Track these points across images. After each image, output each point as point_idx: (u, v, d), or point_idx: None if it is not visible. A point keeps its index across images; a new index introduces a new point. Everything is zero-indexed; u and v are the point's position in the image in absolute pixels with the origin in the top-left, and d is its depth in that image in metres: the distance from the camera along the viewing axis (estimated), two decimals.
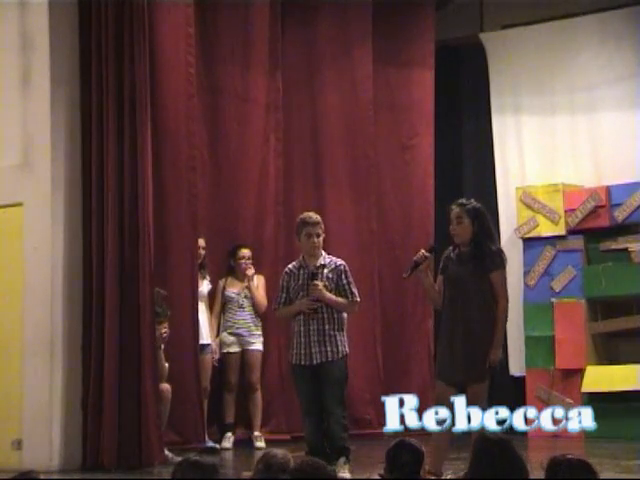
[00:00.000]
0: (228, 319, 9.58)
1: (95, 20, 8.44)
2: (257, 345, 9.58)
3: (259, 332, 9.60)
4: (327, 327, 7.20)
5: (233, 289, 9.59)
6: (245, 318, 9.56)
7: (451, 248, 6.78)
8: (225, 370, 9.53)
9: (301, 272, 7.30)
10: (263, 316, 9.65)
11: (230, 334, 9.55)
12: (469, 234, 6.68)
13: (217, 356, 9.48)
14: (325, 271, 7.29)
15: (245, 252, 9.60)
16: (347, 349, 7.29)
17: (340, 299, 7.25)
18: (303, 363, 7.21)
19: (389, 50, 10.85)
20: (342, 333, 7.26)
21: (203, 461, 4.11)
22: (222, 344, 9.54)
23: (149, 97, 8.46)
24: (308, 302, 7.19)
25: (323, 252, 7.38)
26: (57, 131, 8.41)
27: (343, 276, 7.29)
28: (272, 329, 9.79)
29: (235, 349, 9.54)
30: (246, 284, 9.57)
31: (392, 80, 10.92)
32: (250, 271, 9.55)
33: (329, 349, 7.18)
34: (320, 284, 7.19)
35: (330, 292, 7.24)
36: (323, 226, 7.40)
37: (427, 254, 6.76)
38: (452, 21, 11.39)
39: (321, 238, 7.32)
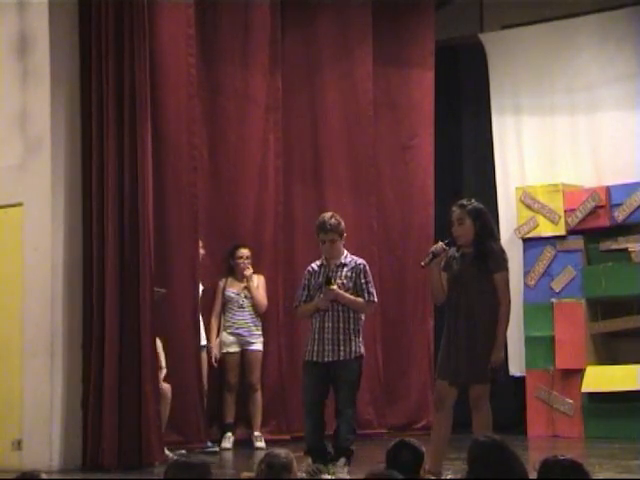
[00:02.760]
0: (228, 319, 9.58)
1: (95, 20, 8.44)
2: (257, 345, 9.58)
3: (259, 332, 9.60)
4: (342, 326, 7.20)
5: (233, 289, 9.59)
6: (245, 318, 9.56)
7: (454, 248, 6.78)
8: (225, 370, 9.53)
9: (322, 270, 7.35)
10: (263, 316, 9.66)
11: (230, 334, 9.55)
12: (471, 235, 6.68)
13: (217, 356, 9.48)
14: (344, 270, 7.30)
15: (244, 252, 9.59)
16: (362, 350, 7.28)
17: (357, 299, 7.26)
18: (315, 360, 7.22)
19: (389, 50, 10.85)
20: (357, 333, 7.25)
21: (193, 461, 4.10)
22: (222, 344, 9.54)
23: (149, 97, 8.46)
24: (324, 301, 7.21)
25: (345, 251, 7.40)
26: (57, 131, 8.41)
27: (362, 275, 7.30)
28: (272, 329, 9.79)
29: (235, 349, 9.54)
30: (245, 284, 9.57)
31: (392, 80, 10.91)
32: (248, 271, 9.55)
33: (342, 348, 7.18)
34: (335, 287, 7.20)
35: (347, 291, 7.26)
36: (342, 227, 7.34)
37: (445, 247, 6.75)
38: (452, 21, 11.39)
39: (337, 243, 7.31)
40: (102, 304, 8.20)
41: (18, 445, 8.32)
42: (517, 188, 10.72)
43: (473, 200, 6.83)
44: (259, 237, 9.97)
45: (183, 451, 8.63)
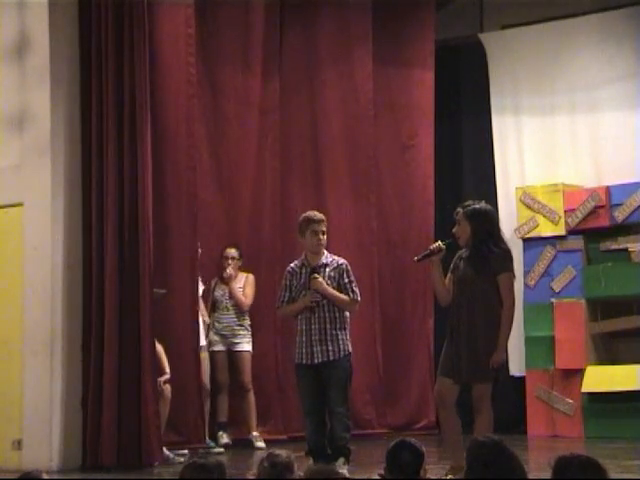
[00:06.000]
0: (215, 319, 9.60)
1: (95, 20, 8.45)
2: (243, 346, 9.53)
3: (244, 332, 9.55)
4: (328, 326, 7.21)
5: (220, 290, 9.59)
6: (228, 320, 9.54)
7: (465, 249, 6.79)
8: (214, 369, 9.53)
9: (303, 271, 7.32)
10: (252, 316, 9.60)
11: (216, 334, 9.56)
12: (467, 235, 6.70)
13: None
14: (327, 270, 7.30)
15: (229, 252, 9.57)
16: (350, 348, 7.29)
17: (341, 295, 7.25)
18: (305, 362, 7.22)
19: (389, 50, 10.84)
20: (344, 332, 7.26)
21: (210, 463, 4.14)
22: (210, 343, 9.55)
23: (149, 97, 8.46)
24: (310, 296, 7.20)
25: (325, 251, 7.40)
26: (57, 131, 8.41)
27: (345, 275, 7.30)
28: (269, 329, 9.79)
29: (220, 347, 9.52)
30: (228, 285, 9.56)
31: (392, 80, 10.91)
32: (227, 272, 9.50)
33: (330, 348, 7.18)
34: (320, 278, 7.20)
35: None
36: (326, 224, 7.42)
37: (443, 246, 6.76)
38: (452, 21, 11.39)
39: (325, 236, 7.34)
40: (102, 304, 8.20)
41: (18, 445, 8.33)
42: (517, 188, 10.72)
43: (477, 201, 6.83)
44: (257, 237, 9.97)
45: (185, 451, 8.63)
